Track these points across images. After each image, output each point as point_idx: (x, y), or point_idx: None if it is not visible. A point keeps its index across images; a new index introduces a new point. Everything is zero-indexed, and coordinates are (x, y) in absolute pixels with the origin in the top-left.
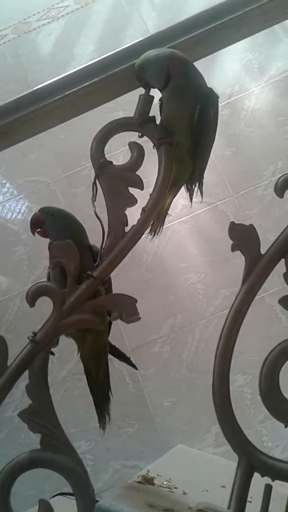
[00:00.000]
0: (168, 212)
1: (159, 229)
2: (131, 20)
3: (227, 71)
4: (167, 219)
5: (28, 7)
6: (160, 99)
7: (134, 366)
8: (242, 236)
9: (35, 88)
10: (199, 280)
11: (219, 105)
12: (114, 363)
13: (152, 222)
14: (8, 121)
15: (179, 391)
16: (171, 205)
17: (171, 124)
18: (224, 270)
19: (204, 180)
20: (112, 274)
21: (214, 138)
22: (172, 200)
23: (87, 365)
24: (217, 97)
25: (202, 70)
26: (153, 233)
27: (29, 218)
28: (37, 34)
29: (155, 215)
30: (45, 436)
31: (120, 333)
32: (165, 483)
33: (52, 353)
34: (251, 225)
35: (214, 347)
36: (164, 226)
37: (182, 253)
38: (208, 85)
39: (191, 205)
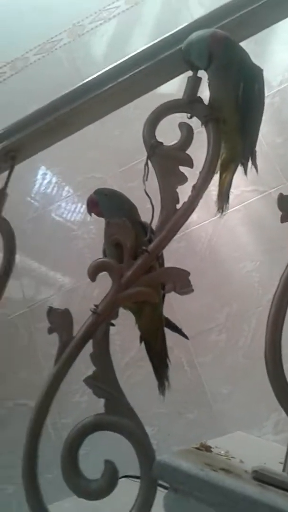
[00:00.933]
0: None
1: (225, 206)
2: (180, 15)
3: (277, 59)
4: None
5: (81, 11)
6: (208, 79)
7: (185, 336)
8: None
9: (88, 79)
10: (254, 268)
11: (270, 92)
12: (173, 350)
13: (217, 201)
14: (65, 111)
15: (236, 379)
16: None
17: (218, 102)
18: (280, 258)
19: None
20: (168, 265)
21: (262, 112)
22: (231, 178)
23: (145, 334)
24: (261, 70)
25: (253, 57)
26: (220, 210)
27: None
28: (91, 36)
29: (219, 193)
30: (108, 400)
31: (177, 322)
32: (222, 452)
33: (113, 324)
34: None
35: None
36: (216, 216)
37: (236, 242)
38: None
39: (247, 177)
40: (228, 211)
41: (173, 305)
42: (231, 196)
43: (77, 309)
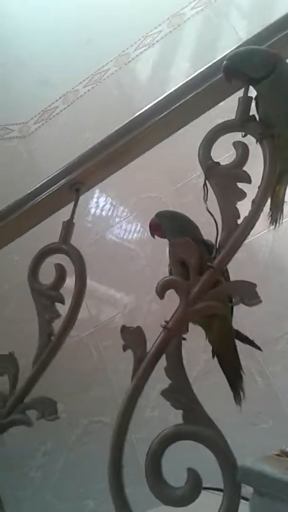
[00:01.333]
0: (286, 201)
1: (279, 218)
2: (222, 31)
3: None
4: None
5: (125, 39)
6: (255, 98)
7: (258, 347)
8: None
9: (143, 110)
10: None
11: None
12: (241, 362)
13: (271, 213)
14: (124, 142)
15: None
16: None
17: (270, 117)
18: None
19: None
20: (231, 275)
21: None
22: (285, 189)
23: (216, 348)
24: None
25: None
26: (274, 223)
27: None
28: (136, 62)
29: (273, 205)
30: (186, 411)
31: (244, 332)
32: None
33: (184, 338)
34: None
35: None
36: (279, 224)
37: None
38: None
39: None
40: (285, 220)
41: (239, 315)
42: None
43: (142, 324)
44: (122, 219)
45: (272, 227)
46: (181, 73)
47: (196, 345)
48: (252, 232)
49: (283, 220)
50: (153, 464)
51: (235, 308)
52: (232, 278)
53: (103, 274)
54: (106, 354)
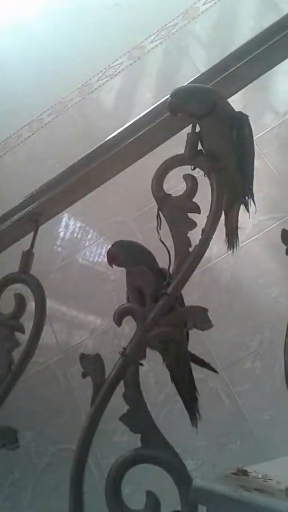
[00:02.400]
0: (239, 226)
1: (236, 242)
2: (181, 63)
3: (281, 90)
4: (240, 239)
5: (88, 71)
6: (200, 133)
7: (214, 370)
8: None
9: (103, 142)
10: (281, 293)
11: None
12: (208, 383)
13: (227, 239)
14: (83, 173)
15: (276, 404)
16: (241, 224)
17: (215, 151)
18: None
19: (271, 196)
20: (194, 299)
21: (254, 152)
22: (237, 216)
23: (172, 371)
24: (247, 116)
25: (256, 92)
26: (231, 247)
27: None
28: (99, 92)
29: (228, 231)
30: (144, 435)
31: (210, 354)
32: (260, 476)
33: (141, 364)
34: None
35: None
36: (236, 248)
37: (260, 269)
38: (263, 105)
39: (249, 216)
40: (245, 243)
41: (204, 338)
42: (250, 226)
43: (110, 349)
44: (89, 243)
45: (230, 251)
46: (143, 103)
47: (163, 368)
48: (214, 255)
49: (243, 244)
50: (113, 488)
51: (202, 332)
52: (197, 301)
53: (72, 298)
54: (74, 380)
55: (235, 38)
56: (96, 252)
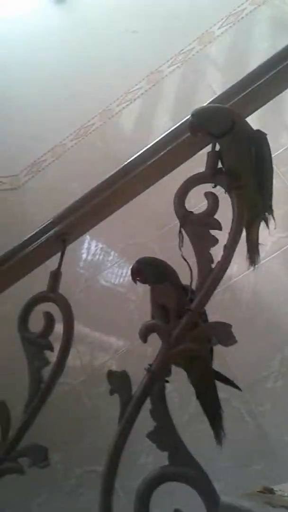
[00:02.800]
0: (260, 242)
1: (256, 259)
2: (198, 87)
3: None
4: (260, 257)
5: (108, 96)
6: (219, 150)
7: (238, 387)
8: None
9: (125, 163)
10: None
11: None
12: (231, 402)
13: (248, 255)
14: (107, 194)
15: None
16: (261, 241)
17: (236, 169)
18: None
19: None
20: (215, 318)
21: (272, 169)
22: (258, 233)
23: (197, 388)
24: (265, 134)
25: (270, 110)
26: (253, 264)
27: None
28: (119, 117)
29: (249, 248)
30: (171, 452)
31: (232, 374)
32: (286, 494)
33: (167, 381)
34: None
35: None
36: (258, 264)
37: (280, 286)
38: (279, 123)
39: (269, 232)
40: (265, 260)
41: (226, 357)
42: (269, 244)
43: (133, 370)
44: (111, 265)
45: (251, 268)
46: (161, 126)
47: (187, 388)
48: (235, 273)
49: (263, 261)
50: (141, 507)
51: (223, 349)
52: (219, 319)
53: (94, 320)
54: (98, 401)
55: (250, 60)
56: (117, 273)
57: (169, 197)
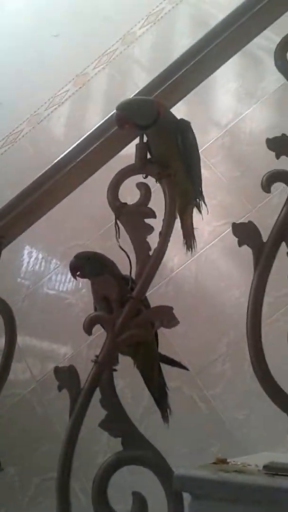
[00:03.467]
0: (195, 227)
1: (193, 243)
2: (125, 86)
3: (220, 103)
4: (199, 246)
5: (35, 101)
6: (147, 142)
7: (185, 368)
8: (244, 232)
9: (54, 162)
10: (242, 294)
11: (220, 134)
12: (183, 390)
13: (184, 241)
14: (38, 194)
15: (250, 402)
16: (199, 232)
17: (164, 158)
18: None
19: (223, 203)
20: None
21: (199, 155)
22: (191, 218)
23: (143, 371)
24: (189, 122)
25: (197, 106)
26: (189, 248)
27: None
28: (49, 121)
29: (185, 233)
30: (124, 437)
31: (181, 361)
32: (239, 463)
33: (115, 370)
34: (250, 221)
35: (270, 352)
36: (197, 254)
37: (220, 273)
38: (206, 118)
39: (202, 218)
40: (203, 249)
41: (174, 346)
42: (206, 233)
43: (84, 370)
44: (52, 270)
45: (188, 252)
46: (92, 127)
47: (138, 383)
48: (176, 265)
49: (202, 251)
50: (99, 494)
51: (171, 338)
52: None
53: (39, 327)
54: (50, 407)
55: (173, 57)
56: (59, 278)
57: (104, 198)
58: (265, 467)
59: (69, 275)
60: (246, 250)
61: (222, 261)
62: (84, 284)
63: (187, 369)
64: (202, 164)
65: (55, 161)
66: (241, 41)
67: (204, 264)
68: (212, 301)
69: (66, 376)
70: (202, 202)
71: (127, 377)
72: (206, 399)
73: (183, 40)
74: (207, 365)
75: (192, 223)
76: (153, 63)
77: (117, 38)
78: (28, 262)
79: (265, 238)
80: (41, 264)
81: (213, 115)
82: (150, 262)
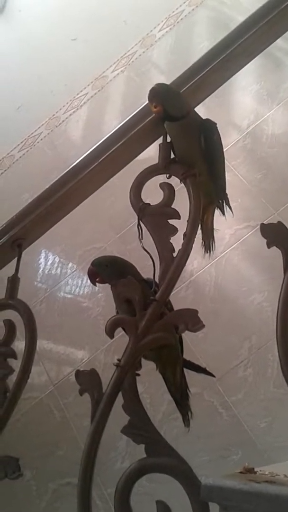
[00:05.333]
0: (215, 229)
1: (212, 244)
2: (144, 89)
3: (241, 105)
4: (219, 249)
5: (54, 104)
6: (170, 141)
7: (211, 374)
8: (273, 233)
9: (73, 164)
10: (264, 298)
11: (241, 136)
12: (203, 396)
13: (204, 242)
14: (59, 195)
15: (273, 409)
16: (220, 235)
17: (188, 158)
18: None
19: (244, 206)
20: None
21: (224, 156)
22: (212, 219)
23: (165, 374)
24: (215, 123)
25: (218, 108)
26: (208, 250)
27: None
28: (67, 124)
29: (204, 234)
30: (148, 444)
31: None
32: (267, 472)
33: (138, 374)
34: (279, 222)
35: None
36: (217, 257)
37: (241, 277)
38: (227, 121)
39: (225, 219)
40: (224, 252)
41: (195, 352)
42: (227, 237)
43: (100, 375)
44: (69, 273)
45: (207, 254)
46: (110, 130)
47: (158, 388)
48: (196, 269)
49: (223, 254)
50: (121, 502)
51: (192, 343)
52: None
53: (56, 331)
54: (68, 411)
55: (192, 60)
56: (76, 281)
57: (123, 200)
58: None
59: (86, 278)
60: (268, 254)
61: (243, 265)
62: (101, 289)
63: (213, 376)
64: None
65: (74, 163)
66: (269, 38)
67: (224, 268)
68: (233, 306)
69: (87, 379)
70: (226, 204)
71: (146, 383)
72: (227, 406)
73: (202, 43)
74: (228, 370)
75: (212, 224)
76: (172, 65)
77: (136, 41)
78: (46, 265)
79: None
80: (59, 267)
81: (235, 117)
82: (174, 263)
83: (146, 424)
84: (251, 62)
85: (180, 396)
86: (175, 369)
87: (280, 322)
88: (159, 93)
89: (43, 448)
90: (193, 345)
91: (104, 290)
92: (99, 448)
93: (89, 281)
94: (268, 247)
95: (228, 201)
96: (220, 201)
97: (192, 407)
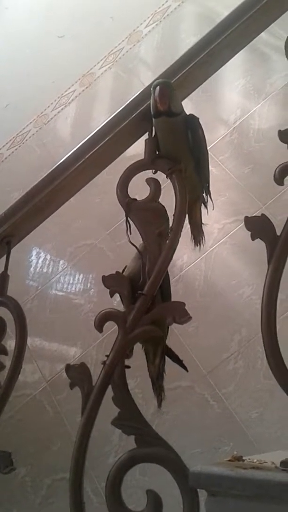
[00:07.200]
0: (204, 223)
1: (202, 238)
2: (131, 85)
3: (227, 100)
4: (208, 244)
5: (42, 102)
6: (155, 136)
7: (185, 368)
8: (257, 226)
9: (62, 160)
10: (253, 291)
11: (228, 131)
12: (195, 389)
13: (192, 236)
14: (47, 192)
15: (263, 400)
16: (208, 230)
17: (174, 153)
18: None
19: (232, 200)
20: None
21: (208, 152)
22: (200, 214)
23: (148, 354)
24: (198, 118)
25: (205, 104)
26: (198, 244)
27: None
28: (55, 121)
29: (193, 229)
30: (138, 435)
31: (193, 360)
32: (255, 460)
33: (128, 366)
34: (263, 214)
35: (283, 349)
36: (206, 252)
37: (230, 271)
38: (214, 116)
39: (207, 212)
40: (213, 247)
41: (185, 345)
42: (215, 231)
43: (93, 371)
44: (60, 270)
45: (197, 248)
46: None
47: (149, 383)
48: (185, 263)
49: (212, 248)
50: (113, 492)
51: (183, 338)
52: None
53: (48, 328)
54: (61, 407)
55: (179, 55)
56: (68, 278)
57: (113, 196)
58: (282, 463)
59: (78, 275)
60: (256, 247)
61: (232, 259)
62: (93, 285)
63: (187, 370)
64: (210, 161)
65: (62, 159)
66: (252, 33)
67: (214, 262)
68: (222, 299)
69: (77, 373)
70: (209, 198)
71: (138, 377)
72: (218, 398)
73: (189, 39)
74: (219, 363)
75: (200, 218)
76: (159, 61)
77: (123, 37)
78: (37, 263)
79: None
80: (50, 264)
81: (221, 112)
82: (161, 256)
83: (135, 415)
84: (237, 56)
85: (156, 377)
86: (157, 349)
87: (265, 313)
88: (170, 90)
89: (37, 444)
90: (184, 339)
91: (95, 287)
92: (93, 443)
93: (80, 278)
94: (252, 239)
95: (211, 195)
96: (204, 195)
97: (184, 400)
